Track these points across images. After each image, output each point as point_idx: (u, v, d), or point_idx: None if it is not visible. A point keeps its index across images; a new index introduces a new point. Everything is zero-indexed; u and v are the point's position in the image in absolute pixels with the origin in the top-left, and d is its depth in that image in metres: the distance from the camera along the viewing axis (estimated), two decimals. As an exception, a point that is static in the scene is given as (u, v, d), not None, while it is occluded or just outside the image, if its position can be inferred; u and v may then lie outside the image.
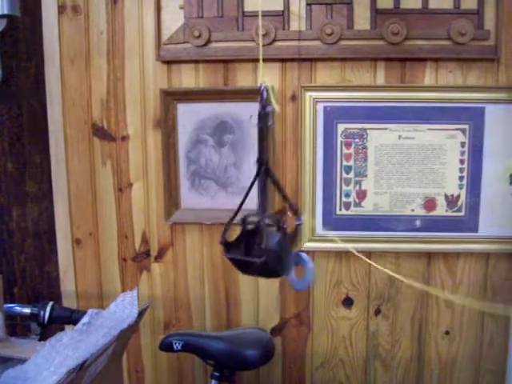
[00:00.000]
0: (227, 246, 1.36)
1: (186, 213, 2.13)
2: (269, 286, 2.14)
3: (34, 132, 2.17)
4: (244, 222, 1.40)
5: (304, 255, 1.35)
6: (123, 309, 1.20)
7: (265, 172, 1.40)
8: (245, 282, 2.15)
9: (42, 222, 2.22)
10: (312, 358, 2.19)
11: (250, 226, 1.43)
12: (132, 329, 1.34)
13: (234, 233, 1.43)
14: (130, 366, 2.28)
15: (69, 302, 2.19)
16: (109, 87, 2.13)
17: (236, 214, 1.42)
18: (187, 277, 2.19)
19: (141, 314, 1.31)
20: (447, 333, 2.13)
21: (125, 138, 2.14)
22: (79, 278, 2.24)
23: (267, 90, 1.34)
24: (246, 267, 1.36)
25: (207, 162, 2.10)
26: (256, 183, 1.39)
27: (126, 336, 1.34)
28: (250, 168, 2.08)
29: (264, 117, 1.37)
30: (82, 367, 1.07)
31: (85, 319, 1.09)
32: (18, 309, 1.87)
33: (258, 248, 1.31)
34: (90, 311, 1.11)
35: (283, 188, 1.49)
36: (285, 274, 1.34)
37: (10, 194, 2.17)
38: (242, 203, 1.41)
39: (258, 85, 1.35)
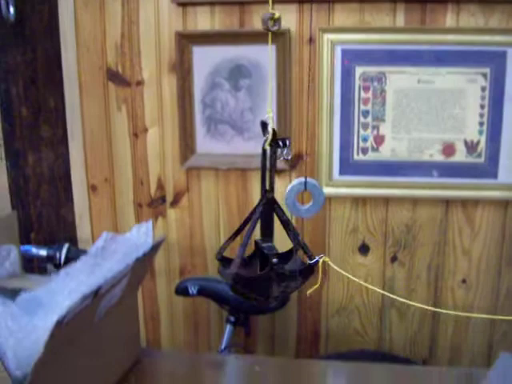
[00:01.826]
0: (224, 261, 1.30)
1: (201, 158, 2.11)
2: (284, 234, 2.12)
3: (48, 76, 2.15)
4: (256, 245, 1.32)
5: (316, 184, 1.27)
6: (138, 238, 1.20)
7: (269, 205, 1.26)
8: (260, 228, 2.14)
9: (58, 168, 2.21)
10: (327, 305, 2.19)
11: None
12: (147, 260, 1.33)
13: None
14: (145, 311, 2.29)
15: (84, 247, 2.19)
16: (123, 31, 2.09)
17: (237, 234, 1.33)
18: (203, 222, 2.18)
19: (156, 246, 1.30)
20: (464, 281, 2.12)
21: (140, 83, 2.12)
22: (95, 223, 2.24)
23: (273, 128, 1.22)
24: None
25: (223, 107, 2.08)
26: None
27: (141, 269, 1.34)
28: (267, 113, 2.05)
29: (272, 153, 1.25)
30: (96, 295, 1.06)
31: (99, 243, 1.08)
32: (34, 251, 1.88)
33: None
34: (104, 234, 1.10)
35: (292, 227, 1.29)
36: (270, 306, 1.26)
37: (24, 139, 2.16)
38: (242, 226, 1.32)
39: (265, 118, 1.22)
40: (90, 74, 2.14)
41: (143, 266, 1.31)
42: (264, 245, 1.28)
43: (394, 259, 2.12)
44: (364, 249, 2.12)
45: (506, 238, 2.06)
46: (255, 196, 2.11)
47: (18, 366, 1.00)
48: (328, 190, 2.05)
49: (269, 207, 1.26)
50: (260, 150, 1.99)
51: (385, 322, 2.18)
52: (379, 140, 2.02)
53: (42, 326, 0.96)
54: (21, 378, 1.01)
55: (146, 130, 2.14)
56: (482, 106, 1.98)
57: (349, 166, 2.04)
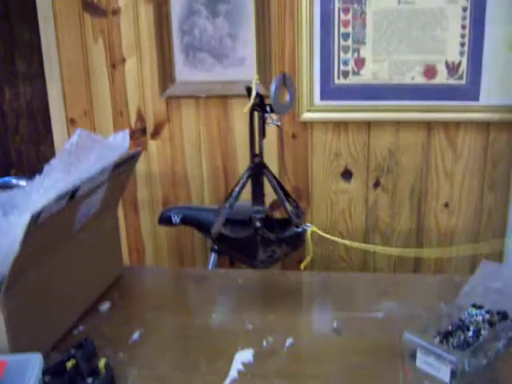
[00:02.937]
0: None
1: (181, 86, 2.09)
2: (268, 161, 2.10)
3: (21, 9, 2.10)
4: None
5: (290, 76, 1.27)
6: (115, 141, 1.18)
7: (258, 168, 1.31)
8: (243, 155, 2.13)
9: (36, 103, 2.18)
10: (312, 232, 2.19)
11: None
12: (125, 172, 1.32)
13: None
14: (130, 244, 2.29)
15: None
16: (97, -43, 2.05)
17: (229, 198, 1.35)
18: (184, 153, 2.16)
19: (133, 157, 1.29)
20: (446, 205, 2.12)
21: (116, 12, 2.07)
22: (76, 157, 2.21)
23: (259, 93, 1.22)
24: None
25: (201, 34, 2.04)
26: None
27: (119, 180, 1.33)
28: (246, 38, 2.02)
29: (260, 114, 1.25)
30: (73, 197, 1.05)
31: (73, 138, 1.06)
32: (14, 181, 1.86)
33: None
34: (78, 130, 1.09)
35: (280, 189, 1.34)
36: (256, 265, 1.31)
37: (0, 74, 2.13)
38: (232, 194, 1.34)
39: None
40: (64, 4, 2.09)
41: (121, 177, 1.30)
42: (252, 208, 1.31)
43: (376, 184, 2.12)
44: (347, 174, 2.11)
45: (488, 159, 2.06)
46: (236, 123, 2.09)
47: (-4, 268, 1.00)
48: (309, 115, 2.04)
49: (258, 171, 1.30)
50: (240, 78, 1.99)
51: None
52: (360, 63, 2.00)
53: (17, 224, 0.95)
54: (-1, 279, 1.01)
55: (123, 61, 2.11)
56: (463, 27, 1.96)
57: (330, 91, 2.03)
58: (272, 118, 1.26)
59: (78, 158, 1.04)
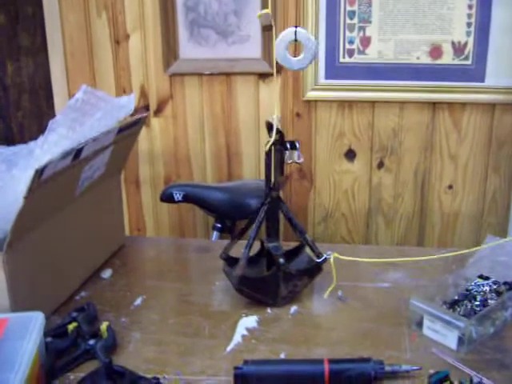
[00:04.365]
0: (229, 260, 1.27)
1: (185, 63, 2.07)
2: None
3: (25, -18, 2.08)
4: (262, 243, 1.30)
5: (307, 33, 1.20)
6: (120, 100, 1.16)
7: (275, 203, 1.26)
8: (246, 134, 2.12)
9: (38, 78, 2.17)
10: (314, 213, 2.18)
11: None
12: (129, 137, 1.31)
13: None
14: (131, 222, 2.27)
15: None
16: None
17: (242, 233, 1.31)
18: (187, 130, 2.15)
19: (138, 122, 1.27)
20: (450, 187, 2.11)
21: (120, -14, 2.06)
22: (77, 134, 2.20)
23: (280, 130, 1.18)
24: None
25: (206, 10, 2.02)
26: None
27: (124, 145, 1.31)
28: (251, 16, 2.00)
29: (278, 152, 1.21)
30: (77, 156, 1.04)
31: (78, 94, 1.05)
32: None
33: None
34: (83, 86, 1.07)
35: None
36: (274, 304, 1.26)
37: (2, 47, 2.11)
38: (247, 226, 1.29)
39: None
40: (68, -22, 2.08)
41: (126, 142, 1.29)
42: (270, 244, 1.27)
43: (380, 165, 2.10)
44: (350, 154, 2.10)
45: (493, 141, 2.05)
46: (240, 100, 2.08)
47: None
48: (314, 94, 2.02)
49: (274, 206, 1.26)
50: (244, 55, 1.97)
51: (371, 228, 2.17)
52: (365, 42, 1.98)
53: (21, 179, 0.94)
54: (1, 237, 0.99)
55: (127, 37, 2.09)
56: (470, 7, 1.94)
57: (335, 69, 2.01)
58: (292, 156, 1.21)
59: (83, 114, 1.02)
